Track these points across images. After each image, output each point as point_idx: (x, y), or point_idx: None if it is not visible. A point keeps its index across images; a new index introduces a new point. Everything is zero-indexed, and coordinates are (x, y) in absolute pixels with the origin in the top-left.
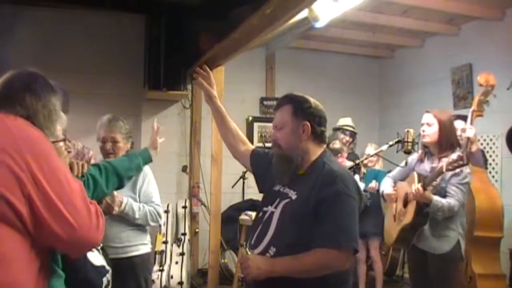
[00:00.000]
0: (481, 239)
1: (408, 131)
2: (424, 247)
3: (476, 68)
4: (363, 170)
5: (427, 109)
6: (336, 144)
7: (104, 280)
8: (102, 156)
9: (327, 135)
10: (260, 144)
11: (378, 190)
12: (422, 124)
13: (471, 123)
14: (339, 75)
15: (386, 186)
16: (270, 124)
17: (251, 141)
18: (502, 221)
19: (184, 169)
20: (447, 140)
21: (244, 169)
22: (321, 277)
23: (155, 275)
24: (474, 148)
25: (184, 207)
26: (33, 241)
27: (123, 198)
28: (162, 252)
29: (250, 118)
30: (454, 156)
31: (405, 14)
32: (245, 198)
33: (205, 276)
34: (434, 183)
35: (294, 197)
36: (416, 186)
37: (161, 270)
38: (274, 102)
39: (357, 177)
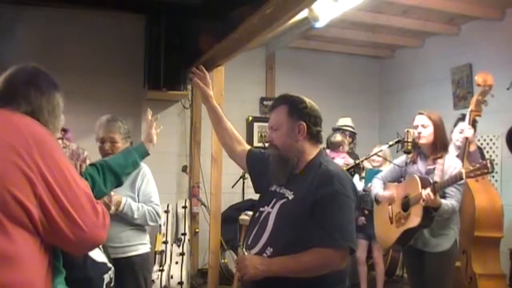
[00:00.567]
0: (481, 239)
1: (408, 131)
2: (422, 247)
3: (476, 68)
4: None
5: (421, 110)
6: (337, 137)
7: (106, 277)
8: (101, 156)
9: (325, 135)
10: (260, 144)
11: None
12: (417, 126)
13: (469, 123)
14: (339, 75)
15: (378, 188)
16: None
17: (251, 141)
18: (502, 221)
19: (184, 169)
20: (441, 141)
21: None
22: (317, 276)
23: (155, 275)
24: (472, 148)
25: (184, 207)
26: (41, 240)
27: (122, 198)
28: (162, 252)
29: (250, 118)
30: (476, 164)
31: (405, 14)
32: (245, 198)
33: (205, 276)
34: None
35: (290, 197)
36: (427, 191)
37: (161, 270)
38: None
39: (357, 177)
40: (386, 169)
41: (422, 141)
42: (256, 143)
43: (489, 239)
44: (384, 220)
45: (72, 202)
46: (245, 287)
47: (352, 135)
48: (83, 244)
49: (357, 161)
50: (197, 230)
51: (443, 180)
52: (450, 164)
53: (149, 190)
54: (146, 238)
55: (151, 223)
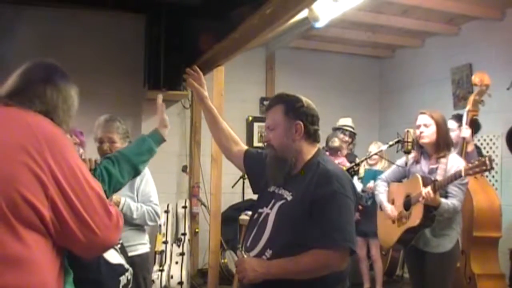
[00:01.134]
0: (480, 239)
1: (408, 131)
2: (424, 247)
3: (476, 68)
4: (362, 170)
5: (423, 110)
6: (335, 142)
7: (123, 278)
8: (99, 157)
9: (325, 135)
10: (260, 144)
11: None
12: (419, 126)
13: (467, 123)
14: (339, 75)
15: (383, 195)
16: None
17: (251, 141)
18: (500, 221)
19: (184, 169)
20: (444, 140)
21: None
22: (317, 277)
23: (155, 275)
24: (470, 148)
25: (184, 207)
26: (53, 241)
27: (121, 198)
28: (162, 252)
29: (250, 118)
30: (475, 161)
31: (405, 14)
32: (245, 198)
33: (205, 276)
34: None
35: (289, 198)
36: (427, 190)
37: (161, 270)
38: None
39: (356, 177)
40: (389, 169)
41: (425, 140)
42: (256, 143)
43: (488, 239)
44: (387, 220)
45: (84, 204)
46: None
47: (352, 135)
48: (94, 246)
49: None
50: (197, 230)
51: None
52: (453, 163)
53: (148, 190)
54: (146, 238)
55: (150, 223)
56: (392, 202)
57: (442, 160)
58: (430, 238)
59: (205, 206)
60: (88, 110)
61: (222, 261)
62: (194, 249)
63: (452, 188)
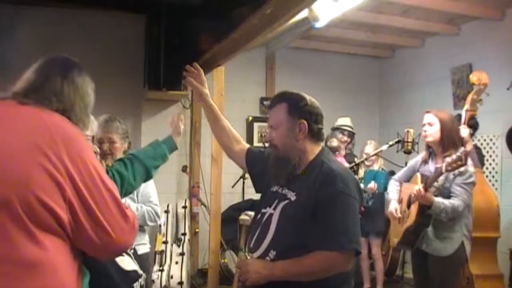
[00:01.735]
0: (478, 240)
1: (408, 131)
2: (427, 249)
3: (476, 68)
4: (361, 170)
5: (427, 109)
6: (334, 142)
7: (136, 285)
8: (99, 157)
9: (324, 134)
10: (260, 144)
11: (377, 191)
12: (424, 125)
13: (465, 123)
14: (339, 75)
15: (393, 194)
16: None
17: (251, 141)
18: (498, 221)
19: (184, 169)
20: (449, 138)
21: None
22: (322, 278)
23: (155, 275)
24: (468, 148)
25: (184, 207)
26: (71, 244)
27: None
28: (162, 252)
29: (250, 118)
30: (453, 156)
31: (405, 14)
32: (245, 198)
33: (205, 276)
34: (436, 183)
35: (293, 198)
36: (418, 187)
37: (161, 270)
38: None
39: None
40: (402, 170)
41: (429, 139)
42: (256, 143)
43: (486, 240)
44: (395, 220)
45: (100, 206)
46: None
47: (351, 135)
48: (109, 249)
49: (358, 161)
50: (197, 230)
51: (449, 179)
52: None
53: (148, 191)
54: (146, 238)
55: (150, 224)
56: (401, 201)
57: (447, 159)
58: (432, 240)
59: (205, 206)
60: None
61: (222, 261)
62: (194, 249)
63: (455, 188)
